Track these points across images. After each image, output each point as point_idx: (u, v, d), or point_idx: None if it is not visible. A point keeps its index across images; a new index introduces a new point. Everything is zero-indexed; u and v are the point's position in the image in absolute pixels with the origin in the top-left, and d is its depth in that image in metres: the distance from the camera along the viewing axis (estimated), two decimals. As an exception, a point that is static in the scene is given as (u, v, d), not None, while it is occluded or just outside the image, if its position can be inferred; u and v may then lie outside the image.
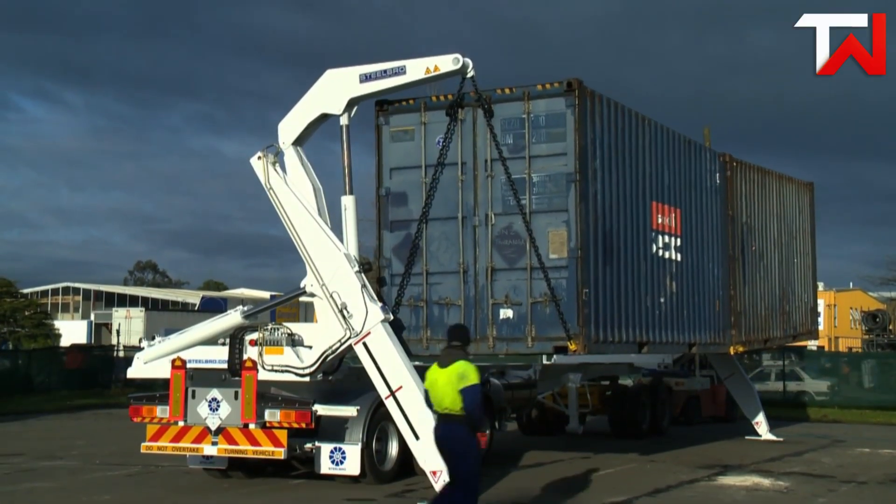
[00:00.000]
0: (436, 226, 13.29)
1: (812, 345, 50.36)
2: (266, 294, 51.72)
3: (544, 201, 12.75)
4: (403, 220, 13.49)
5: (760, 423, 20.77)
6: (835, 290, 60.45)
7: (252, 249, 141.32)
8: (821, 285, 60.52)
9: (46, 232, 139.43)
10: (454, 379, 8.64)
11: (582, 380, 18.92)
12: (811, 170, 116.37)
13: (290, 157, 13.08)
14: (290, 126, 13.06)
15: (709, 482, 13.96)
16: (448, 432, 8.78)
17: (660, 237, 14.85)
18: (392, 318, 12.58)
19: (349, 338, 12.30)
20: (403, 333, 12.98)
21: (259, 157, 13.07)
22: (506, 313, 12.87)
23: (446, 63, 12.59)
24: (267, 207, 13.03)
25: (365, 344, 12.24)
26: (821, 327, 57.98)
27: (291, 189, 13.00)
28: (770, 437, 20.43)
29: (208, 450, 12.51)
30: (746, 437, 20.56)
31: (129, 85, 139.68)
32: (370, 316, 12.26)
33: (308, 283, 12.70)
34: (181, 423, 12.58)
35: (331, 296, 12.43)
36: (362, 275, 12.59)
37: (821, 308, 57.77)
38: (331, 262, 12.58)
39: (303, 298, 13.22)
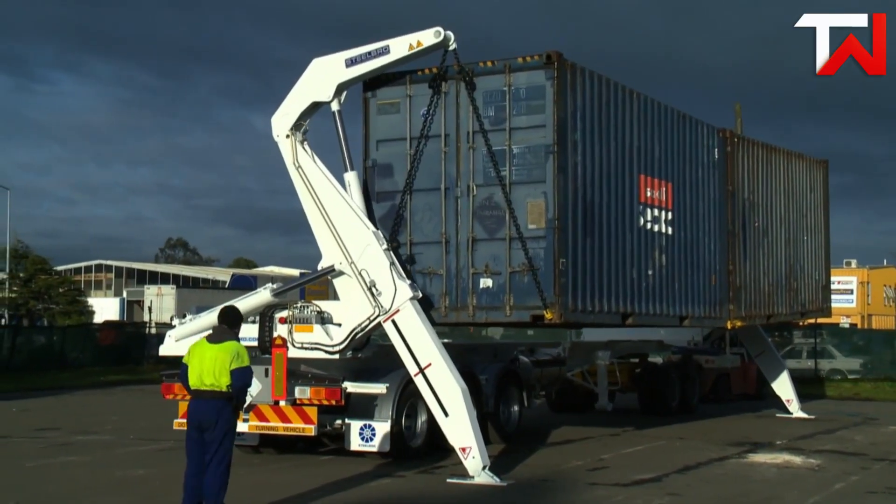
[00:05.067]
0: (420, 197, 13.42)
1: (844, 322, 49.98)
2: (296, 272, 52.01)
3: (524, 172, 12.84)
4: (389, 191, 13.60)
5: (791, 401, 20.65)
6: (868, 268, 59.79)
7: (294, 226, 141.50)
8: (853, 262, 60.09)
9: (76, 209, 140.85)
10: (226, 357, 8.86)
11: (611, 357, 18.89)
12: (871, 139, 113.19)
13: (287, 148, 13.10)
14: (283, 118, 13.11)
15: (739, 459, 13.91)
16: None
17: (648, 210, 14.83)
18: (421, 295, 12.60)
19: (378, 315, 12.33)
20: None
21: (287, 136, 13.10)
22: (486, 282, 13.01)
23: (428, 37, 12.70)
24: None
25: (394, 321, 12.26)
26: (853, 304, 57.63)
27: (320, 167, 13.03)
28: (801, 414, 20.32)
29: (239, 427, 12.55)
30: (777, 415, 20.47)
31: (159, 56, 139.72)
32: (399, 293, 12.28)
33: (336, 260, 12.74)
34: (212, 400, 12.65)
35: (359, 273, 12.46)
36: (391, 252, 12.61)
37: (854, 285, 57.37)
38: (360, 239, 12.60)
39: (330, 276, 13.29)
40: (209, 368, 8.85)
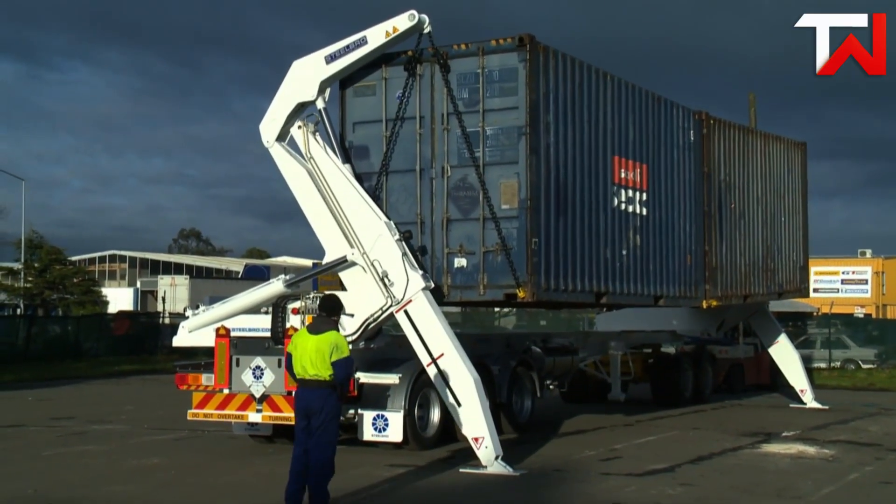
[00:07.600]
0: (395, 178, 13.54)
1: (859, 312, 49.74)
2: (309, 262, 52.04)
3: (497, 153, 12.95)
4: (365, 172, 13.68)
5: (805, 391, 20.59)
6: (883, 258, 59.41)
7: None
8: (868, 252, 59.71)
9: (90, 198, 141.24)
10: (326, 349, 8.96)
11: (624, 347, 18.87)
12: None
13: (278, 152, 13.16)
14: (271, 124, 13.17)
15: (752, 450, 13.89)
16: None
17: (622, 191, 14.88)
18: (433, 285, 12.61)
19: (390, 306, 12.36)
20: None
21: (299, 127, 13.13)
22: (460, 262, 13.15)
23: (403, 21, 12.83)
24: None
25: (406, 312, 12.28)
26: (868, 294, 57.23)
27: (331, 158, 13.05)
28: (815, 404, 20.25)
29: (253, 417, 12.69)
30: (791, 405, 20.42)
31: (172, 43, 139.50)
32: (411, 284, 12.30)
33: (346, 252, 12.76)
34: (226, 391, 12.76)
35: (371, 264, 12.48)
36: (403, 243, 12.63)
37: (868, 275, 57.05)
38: (372, 230, 12.62)
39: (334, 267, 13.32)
40: (311, 359, 9.00)
